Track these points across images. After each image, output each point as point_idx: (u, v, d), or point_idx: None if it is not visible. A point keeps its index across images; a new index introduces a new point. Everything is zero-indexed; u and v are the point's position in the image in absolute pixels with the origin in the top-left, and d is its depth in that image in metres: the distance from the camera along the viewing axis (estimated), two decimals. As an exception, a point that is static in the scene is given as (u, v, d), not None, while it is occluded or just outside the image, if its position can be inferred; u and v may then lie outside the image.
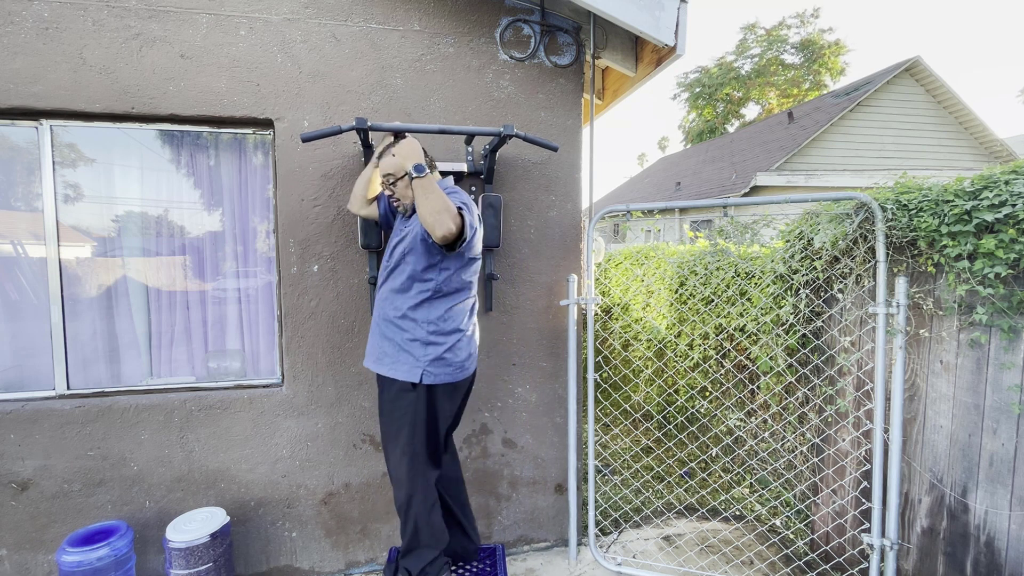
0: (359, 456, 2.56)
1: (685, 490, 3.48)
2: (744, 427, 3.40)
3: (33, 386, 2.32)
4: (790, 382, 2.88)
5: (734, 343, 3.34)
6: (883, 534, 2.20)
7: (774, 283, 2.89)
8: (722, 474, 3.56)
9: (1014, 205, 1.87)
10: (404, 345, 2.03)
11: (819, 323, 2.63)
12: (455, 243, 1.92)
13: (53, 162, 2.27)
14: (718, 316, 3.45)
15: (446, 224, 1.82)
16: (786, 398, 2.96)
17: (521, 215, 2.65)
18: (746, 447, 3.41)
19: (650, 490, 3.49)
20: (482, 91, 2.57)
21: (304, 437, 2.49)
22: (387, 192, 2.12)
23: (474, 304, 2.19)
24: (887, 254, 2.19)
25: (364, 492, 2.58)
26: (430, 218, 1.82)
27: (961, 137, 12.41)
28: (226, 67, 2.30)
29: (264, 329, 2.56)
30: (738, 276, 3.27)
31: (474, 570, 2.41)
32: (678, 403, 3.93)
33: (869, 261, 2.32)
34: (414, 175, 1.85)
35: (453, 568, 2.38)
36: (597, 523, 3.01)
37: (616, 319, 4.84)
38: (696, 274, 3.65)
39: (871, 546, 2.22)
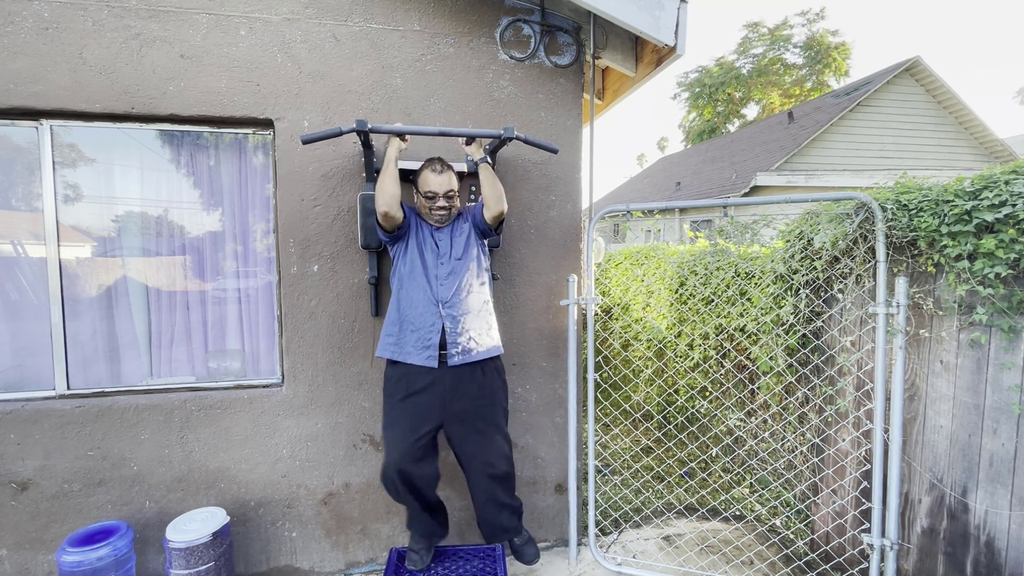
0: (359, 456, 2.56)
1: (685, 490, 3.48)
2: (744, 427, 3.40)
3: (33, 386, 2.33)
4: (790, 382, 2.88)
5: (734, 343, 3.34)
6: (883, 534, 2.20)
7: (774, 283, 2.89)
8: (722, 474, 3.56)
9: (1014, 205, 1.87)
10: (493, 327, 2.34)
11: (819, 323, 2.63)
12: (500, 224, 2.29)
13: (53, 162, 2.27)
14: (718, 316, 3.45)
15: (504, 202, 2.18)
16: (786, 398, 2.96)
17: (521, 215, 2.64)
18: (746, 447, 3.41)
19: (650, 490, 3.49)
20: (482, 91, 2.57)
21: (304, 437, 2.49)
22: (440, 204, 2.20)
23: None
24: (887, 254, 2.19)
25: (364, 492, 2.58)
26: (495, 199, 2.14)
27: (961, 137, 12.40)
28: (226, 67, 2.30)
29: (264, 329, 2.56)
30: (738, 276, 3.26)
31: (474, 570, 2.41)
32: (678, 403, 3.93)
33: (869, 261, 2.32)
34: (489, 161, 2.22)
35: (452, 568, 2.39)
36: (597, 523, 3.01)
37: (616, 319, 4.84)
38: (696, 274, 3.65)
39: (871, 546, 2.22)
